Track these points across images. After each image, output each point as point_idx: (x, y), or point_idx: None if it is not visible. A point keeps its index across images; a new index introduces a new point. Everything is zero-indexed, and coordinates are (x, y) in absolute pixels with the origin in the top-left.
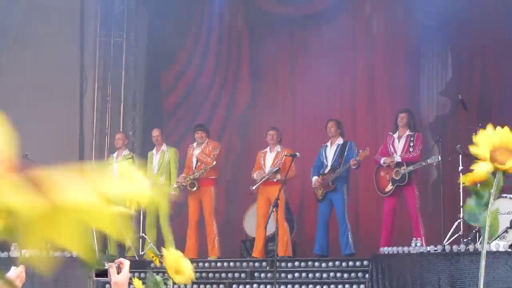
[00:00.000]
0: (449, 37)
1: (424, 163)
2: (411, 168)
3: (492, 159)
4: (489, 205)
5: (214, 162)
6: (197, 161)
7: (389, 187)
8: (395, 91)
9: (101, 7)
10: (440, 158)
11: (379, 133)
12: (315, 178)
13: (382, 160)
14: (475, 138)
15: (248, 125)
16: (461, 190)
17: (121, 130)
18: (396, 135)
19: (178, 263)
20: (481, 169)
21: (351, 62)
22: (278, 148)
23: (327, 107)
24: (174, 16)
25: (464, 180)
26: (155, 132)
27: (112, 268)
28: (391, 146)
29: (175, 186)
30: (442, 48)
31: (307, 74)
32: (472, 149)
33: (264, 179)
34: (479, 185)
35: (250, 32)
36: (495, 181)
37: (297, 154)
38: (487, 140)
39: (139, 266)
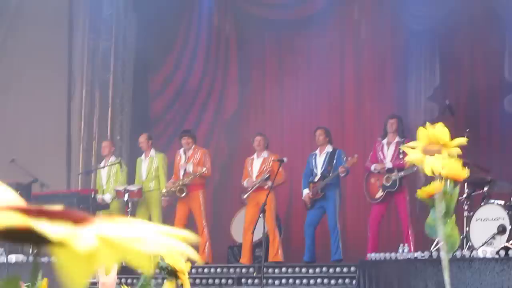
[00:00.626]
0: (437, 43)
1: (415, 169)
2: (402, 174)
3: (425, 151)
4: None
5: (208, 171)
6: (184, 168)
7: (380, 193)
8: (383, 97)
9: (89, 11)
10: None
11: (367, 139)
12: (305, 191)
13: (373, 167)
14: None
15: (236, 130)
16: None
17: (108, 133)
18: (385, 141)
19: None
20: (411, 158)
21: (339, 67)
22: (265, 153)
23: (315, 112)
24: (162, 20)
25: (420, 194)
26: (141, 138)
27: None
28: (380, 153)
29: (164, 191)
30: (430, 54)
31: (295, 79)
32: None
33: (255, 187)
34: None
35: (238, 37)
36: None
37: (285, 159)
38: (423, 135)
39: (128, 271)
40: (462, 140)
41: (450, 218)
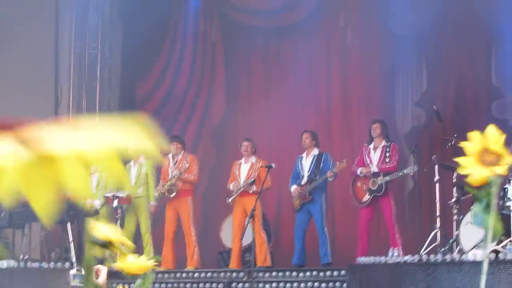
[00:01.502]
0: (424, 48)
1: (400, 173)
2: (387, 178)
3: (481, 161)
4: (491, 208)
5: (195, 177)
6: (172, 172)
7: (366, 197)
8: (370, 102)
9: (75, 18)
10: (416, 168)
11: (355, 144)
12: (294, 187)
13: (359, 171)
14: (463, 143)
15: (223, 135)
16: (437, 200)
17: None
18: (371, 146)
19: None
20: (476, 176)
21: (326, 74)
22: (253, 159)
23: (302, 118)
24: (148, 27)
25: (471, 181)
26: None
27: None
28: (367, 157)
29: (156, 195)
30: (417, 59)
31: (282, 85)
32: (461, 160)
33: (239, 191)
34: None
35: (225, 43)
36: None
37: (273, 165)
38: (475, 143)
39: (118, 275)
40: None
41: (494, 211)
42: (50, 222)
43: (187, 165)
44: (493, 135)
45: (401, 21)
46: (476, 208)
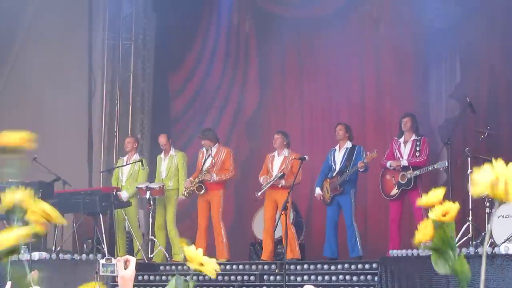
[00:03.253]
0: (457, 40)
1: (430, 168)
2: (417, 172)
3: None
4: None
5: (233, 172)
6: (209, 165)
7: (395, 190)
8: (404, 94)
9: (109, 10)
10: (447, 164)
11: (387, 137)
12: (317, 190)
13: (388, 163)
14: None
15: (257, 128)
16: (470, 193)
17: (129, 133)
18: (401, 140)
19: (199, 257)
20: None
21: (358, 66)
22: (285, 152)
23: (335, 110)
24: (182, 19)
25: (416, 242)
26: (161, 139)
27: (119, 262)
28: (397, 151)
29: (185, 192)
30: (451, 51)
31: (315, 78)
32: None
33: (269, 185)
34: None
35: (258, 35)
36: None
37: (306, 157)
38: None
39: (148, 268)
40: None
41: (456, 254)
42: None
43: (222, 158)
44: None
45: (434, 13)
46: (433, 256)
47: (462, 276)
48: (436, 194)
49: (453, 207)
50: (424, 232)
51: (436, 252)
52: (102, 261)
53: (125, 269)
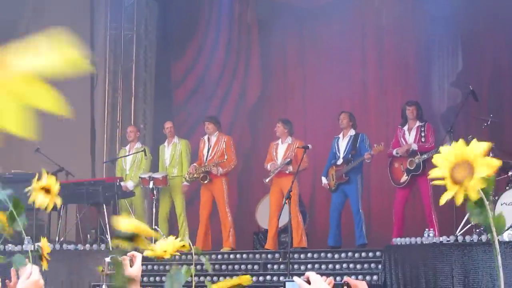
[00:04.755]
0: (459, 28)
1: (435, 152)
2: (425, 156)
3: (453, 179)
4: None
5: (234, 162)
6: (208, 155)
7: (404, 177)
8: (406, 82)
9: (111, 0)
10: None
11: (390, 125)
12: (324, 180)
13: (395, 151)
14: (434, 160)
15: (259, 116)
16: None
17: (132, 122)
18: (406, 128)
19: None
20: (433, 176)
21: (360, 54)
22: (289, 140)
23: (337, 98)
24: (184, 8)
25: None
26: (168, 124)
27: (125, 260)
28: (402, 139)
29: (186, 176)
30: (453, 39)
31: (317, 66)
32: (433, 173)
33: (276, 171)
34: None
35: (260, 24)
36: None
37: (309, 146)
38: (445, 159)
39: (151, 258)
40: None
41: (491, 204)
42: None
43: (223, 147)
44: (461, 148)
45: (436, 0)
46: (470, 204)
47: (500, 224)
48: (484, 145)
49: (496, 162)
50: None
51: (476, 206)
52: (108, 259)
53: (131, 266)
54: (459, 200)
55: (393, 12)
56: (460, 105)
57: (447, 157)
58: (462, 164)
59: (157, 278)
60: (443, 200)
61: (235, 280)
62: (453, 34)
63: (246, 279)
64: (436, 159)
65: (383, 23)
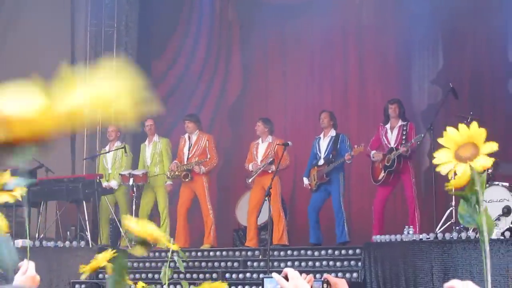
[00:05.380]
0: (440, 26)
1: (409, 144)
2: (399, 151)
3: (458, 157)
4: (480, 205)
5: (217, 160)
6: (188, 153)
7: (382, 174)
8: (386, 80)
9: None
10: (423, 136)
11: (371, 123)
12: (305, 180)
13: (372, 154)
14: (440, 140)
15: (240, 114)
16: (453, 178)
17: (112, 119)
18: (388, 126)
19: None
20: (444, 170)
21: (342, 52)
22: (269, 139)
23: (318, 97)
24: (165, 5)
25: (449, 186)
26: (149, 121)
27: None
28: (384, 138)
29: (168, 174)
30: (433, 37)
31: (298, 64)
32: (438, 156)
33: (259, 171)
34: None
35: (241, 22)
36: (476, 180)
37: (289, 143)
38: (451, 139)
39: (132, 255)
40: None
41: (482, 206)
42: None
43: (203, 146)
44: (474, 130)
45: None
46: (461, 207)
47: (489, 225)
48: (491, 145)
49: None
50: (461, 178)
51: (465, 201)
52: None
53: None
54: (463, 179)
55: (373, 10)
56: (440, 102)
57: (452, 138)
58: (467, 144)
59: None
60: (444, 171)
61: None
62: (434, 32)
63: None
64: (441, 140)
65: (363, 21)
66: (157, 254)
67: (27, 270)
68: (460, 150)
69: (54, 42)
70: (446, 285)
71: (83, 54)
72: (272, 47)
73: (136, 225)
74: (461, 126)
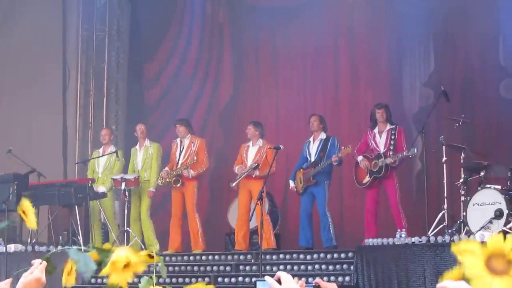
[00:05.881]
0: (432, 28)
1: (401, 155)
2: (387, 160)
3: (490, 270)
4: None
5: (207, 164)
6: (181, 157)
7: (367, 178)
8: (378, 83)
9: (83, 1)
10: (416, 151)
11: (362, 126)
12: (291, 183)
13: (359, 159)
14: (463, 258)
15: (231, 118)
16: (445, 181)
17: (104, 123)
18: (376, 130)
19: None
20: (469, 274)
21: (333, 54)
22: (260, 142)
23: (310, 100)
24: (156, 9)
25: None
26: (140, 126)
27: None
28: (372, 142)
29: (159, 182)
30: (425, 39)
31: (290, 67)
32: (467, 263)
33: (243, 175)
34: None
35: (232, 24)
36: None
37: (281, 146)
38: (479, 252)
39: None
40: None
41: None
42: None
43: (195, 149)
44: (502, 242)
45: (408, 1)
46: None
47: None
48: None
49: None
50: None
51: None
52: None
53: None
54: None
55: (365, 12)
56: (432, 105)
57: (481, 248)
58: (497, 256)
59: None
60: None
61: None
62: (425, 34)
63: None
64: (468, 246)
65: (355, 23)
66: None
67: (34, 271)
68: (492, 262)
69: (46, 47)
70: (438, 285)
71: (75, 58)
72: (263, 49)
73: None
74: (496, 236)
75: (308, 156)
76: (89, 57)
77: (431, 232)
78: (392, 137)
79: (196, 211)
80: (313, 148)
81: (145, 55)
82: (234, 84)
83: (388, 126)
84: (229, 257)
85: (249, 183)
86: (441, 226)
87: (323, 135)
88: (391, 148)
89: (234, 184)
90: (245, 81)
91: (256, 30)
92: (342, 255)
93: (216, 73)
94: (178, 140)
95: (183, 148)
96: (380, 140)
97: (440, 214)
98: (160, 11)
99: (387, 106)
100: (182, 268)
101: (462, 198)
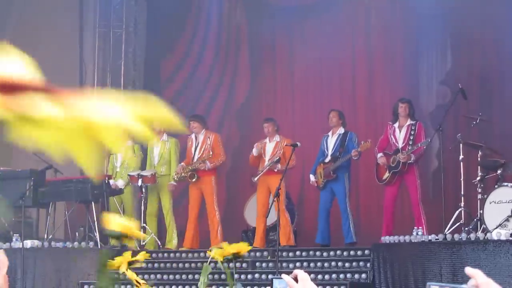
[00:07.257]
0: (449, 26)
1: (415, 147)
2: (404, 153)
3: None
4: None
5: (224, 157)
6: (196, 152)
7: (386, 174)
8: (395, 81)
9: None
10: (429, 141)
11: (379, 123)
12: (311, 177)
13: (379, 156)
14: None
15: (248, 114)
16: (462, 179)
17: None
18: (396, 125)
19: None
20: None
21: (350, 53)
22: (277, 138)
23: (326, 97)
24: (173, 6)
25: None
26: None
27: None
28: (392, 136)
29: (175, 177)
30: (442, 37)
31: (306, 64)
32: None
33: (265, 169)
34: None
35: (249, 23)
36: None
37: (298, 144)
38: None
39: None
40: None
41: None
42: (94, 173)
43: (210, 144)
44: None
45: None
46: None
47: None
48: None
49: None
50: None
51: None
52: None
53: None
54: None
55: (382, 11)
56: (449, 103)
57: None
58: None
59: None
60: None
61: (234, 247)
62: (442, 32)
63: (244, 247)
64: None
65: (372, 21)
66: (165, 255)
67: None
68: None
69: (63, 43)
70: (468, 269)
71: (92, 55)
72: (280, 47)
73: (112, 221)
74: None
75: (325, 150)
76: (106, 54)
77: (448, 230)
78: (412, 133)
79: (216, 206)
80: (331, 142)
81: (162, 52)
82: (250, 82)
83: (409, 122)
84: (246, 253)
85: (268, 179)
86: (458, 224)
87: (341, 130)
88: (410, 143)
89: (256, 179)
90: (261, 79)
91: (272, 28)
92: (359, 252)
93: (233, 70)
94: (193, 135)
95: (198, 144)
96: (400, 135)
97: (457, 212)
98: (176, 8)
99: (410, 101)
100: (199, 264)
101: (479, 196)
